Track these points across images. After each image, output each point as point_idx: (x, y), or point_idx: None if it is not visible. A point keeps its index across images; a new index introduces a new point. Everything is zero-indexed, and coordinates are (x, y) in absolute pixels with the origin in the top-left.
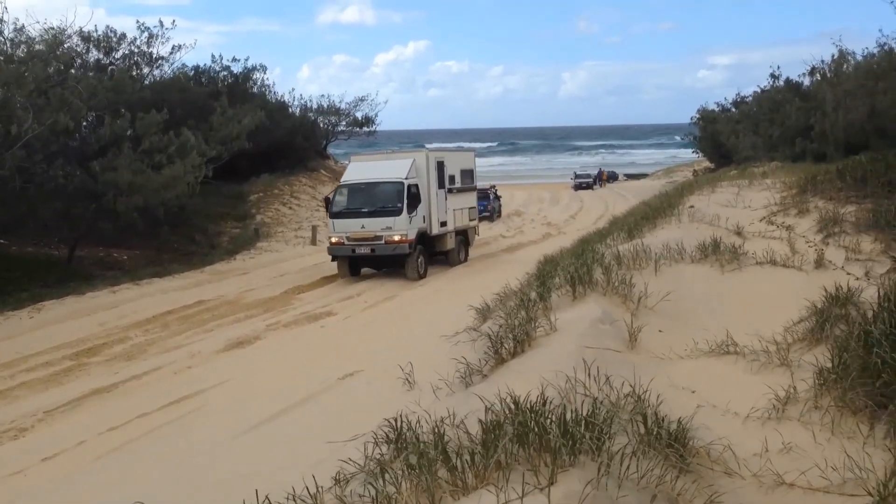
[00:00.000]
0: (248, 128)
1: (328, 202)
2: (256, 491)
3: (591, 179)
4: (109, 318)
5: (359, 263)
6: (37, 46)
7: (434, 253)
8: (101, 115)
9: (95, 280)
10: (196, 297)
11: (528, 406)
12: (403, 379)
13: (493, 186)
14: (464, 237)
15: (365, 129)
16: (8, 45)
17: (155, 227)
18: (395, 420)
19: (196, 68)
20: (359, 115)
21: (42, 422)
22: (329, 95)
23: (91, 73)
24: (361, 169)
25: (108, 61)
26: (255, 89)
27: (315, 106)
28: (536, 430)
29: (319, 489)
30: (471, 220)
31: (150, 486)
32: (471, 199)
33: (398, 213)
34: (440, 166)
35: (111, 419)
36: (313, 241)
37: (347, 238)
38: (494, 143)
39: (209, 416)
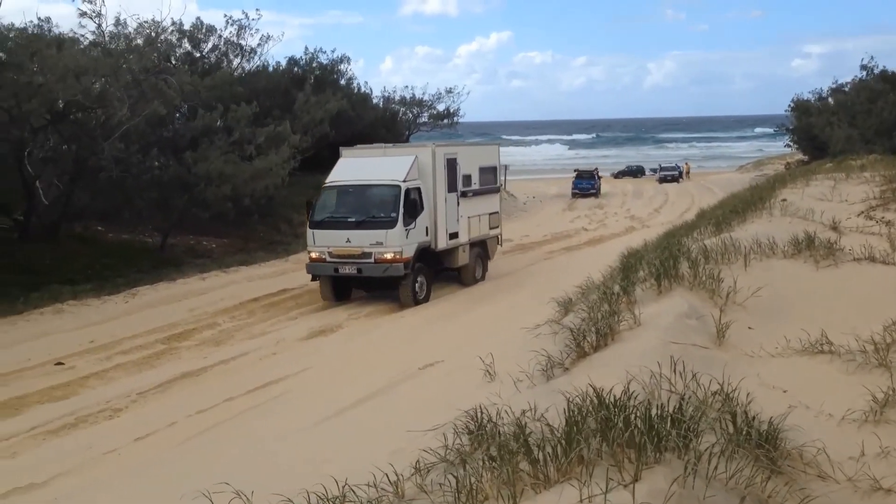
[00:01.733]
0: (331, 113)
1: (310, 207)
2: (335, 478)
3: (677, 172)
4: (199, 304)
5: (345, 284)
6: (135, 41)
7: (441, 270)
8: (193, 107)
9: (186, 267)
10: (280, 285)
11: (612, 400)
12: (484, 371)
13: (596, 169)
14: (481, 250)
15: (447, 120)
16: (106, 38)
17: (244, 217)
18: (476, 411)
19: (286, 60)
20: (441, 106)
21: (135, 403)
22: (412, 87)
23: (184, 66)
24: (352, 167)
25: (199, 53)
26: (340, 80)
27: (398, 97)
28: (620, 425)
29: (400, 477)
30: (492, 227)
31: (235, 468)
32: (492, 203)
33: (391, 224)
34: (451, 164)
35: (199, 402)
36: None
37: (329, 254)
38: (591, 135)
39: (291, 403)
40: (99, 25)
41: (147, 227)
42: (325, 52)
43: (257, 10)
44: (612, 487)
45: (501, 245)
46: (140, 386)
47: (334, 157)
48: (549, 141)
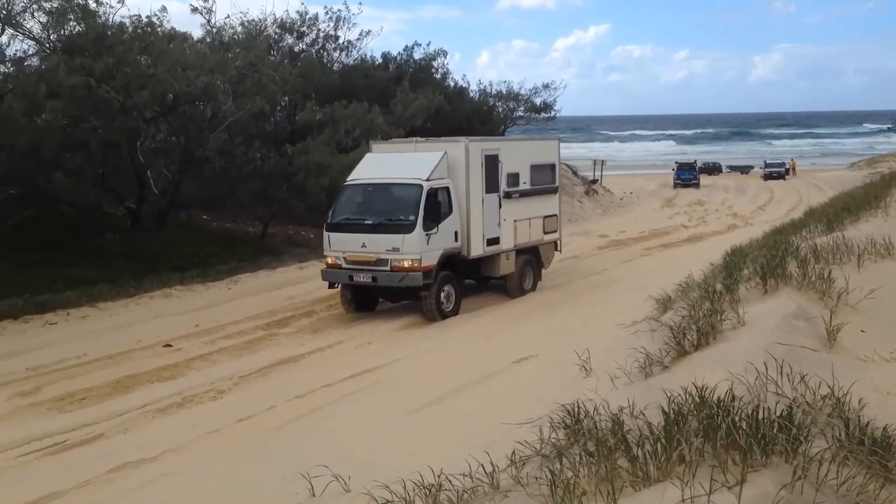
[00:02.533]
0: (425, 106)
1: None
2: (430, 467)
3: (783, 168)
4: (297, 293)
5: (368, 293)
6: (240, 36)
7: (481, 279)
8: (293, 100)
9: (285, 256)
10: None
11: (716, 401)
12: (579, 366)
13: (696, 161)
14: (532, 257)
15: (543, 114)
16: (213, 33)
17: None
18: (572, 406)
19: (383, 55)
20: (537, 100)
21: (237, 385)
22: (508, 81)
23: (285, 60)
24: (376, 163)
25: (299, 47)
26: (436, 75)
27: (494, 91)
28: (724, 426)
29: (495, 468)
30: (547, 232)
31: (332, 453)
32: (547, 205)
33: (409, 228)
34: (491, 162)
35: (298, 387)
36: None
37: (345, 260)
38: (692, 131)
39: (386, 392)
40: (208, 21)
41: (249, 216)
42: (421, 46)
43: (360, 3)
44: (716, 489)
45: (560, 251)
46: (241, 370)
47: None
48: (647, 136)
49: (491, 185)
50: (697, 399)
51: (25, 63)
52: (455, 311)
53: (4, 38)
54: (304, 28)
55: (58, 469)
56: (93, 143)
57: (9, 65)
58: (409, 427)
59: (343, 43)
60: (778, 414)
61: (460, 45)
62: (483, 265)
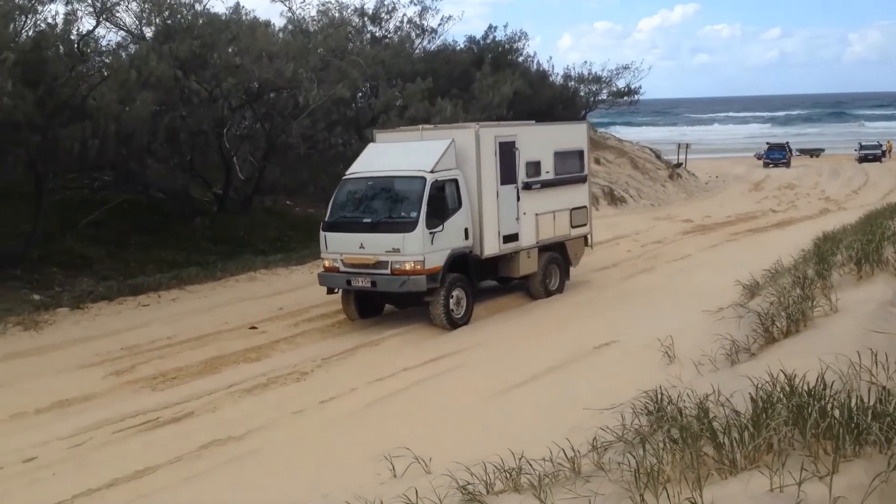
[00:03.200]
0: (508, 96)
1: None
2: (511, 450)
3: (879, 151)
4: None
5: (372, 297)
6: (321, 23)
7: (501, 280)
8: (374, 86)
9: None
10: None
11: (806, 389)
12: (662, 352)
13: (788, 143)
14: (558, 254)
15: (626, 98)
16: (295, 21)
17: None
18: (655, 392)
19: (464, 39)
20: (620, 83)
21: (320, 367)
22: (590, 63)
23: (367, 47)
24: (378, 155)
25: (382, 34)
26: (517, 58)
27: (576, 74)
28: (816, 414)
29: (576, 453)
30: (575, 226)
31: (413, 435)
32: (575, 195)
33: (410, 227)
34: (507, 150)
35: (379, 370)
36: None
37: (343, 262)
38: (782, 112)
39: (467, 375)
40: (290, 9)
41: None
42: (502, 29)
43: None
44: (806, 478)
45: (591, 246)
46: (324, 352)
47: None
48: (735, 119)
49: (507, 175)
50: (787, 387)
51: (118, 53)
52: (466, 319)
53: (100, 30)
54: (386, 15)
55: (151, 445)
56: (182, 132)
57: (103, 55)
58: (490, 411)
59: (426, 29)
60: (872, 403)
61: (541, 28)
62: (500, 265)
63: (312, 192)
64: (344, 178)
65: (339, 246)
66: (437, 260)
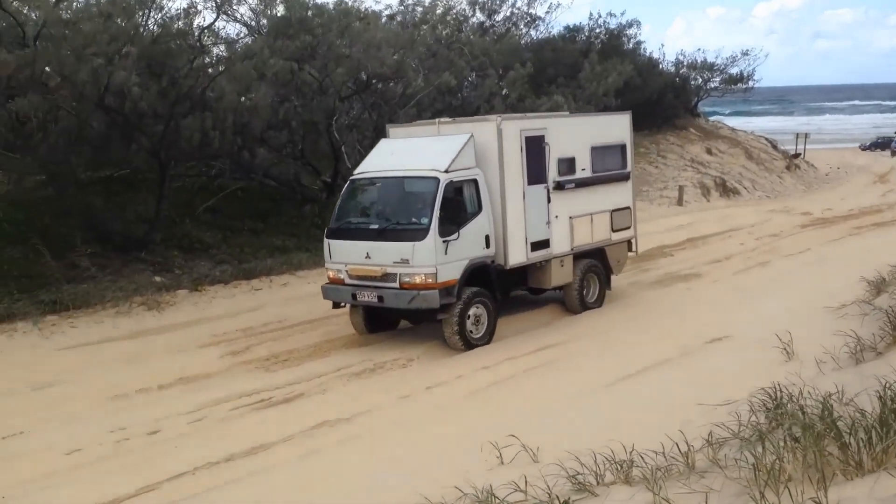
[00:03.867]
0: (616, 84)
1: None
2: (622, 443)
3: None
4: None
5: (381, 312)
6: (429, 13)
7: (533, 290)
8: (480, 75)
9: None
10: None
11: None
12: (780, 349)
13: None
14: (597, 262)
15: (740, 85)
16: (403, 11)
17: None
18: (773, 389)
19: (571, 28)
20: (734, 70)
21: (425, 354)
22: (703, 50)
23: (473, 36)
24: (389, 152)
25: (490, 23)
26: (627, 46)
27: (687, 62)
28: None
29: (690, 448)
30: (617, 229)
31: (519, 423)
32: (617, 195)
33: (421, 234)
34: (534, 145)
35: (484, 358)
36: (679, 202)
37: (348, 273)
38: None
39: (573, 366)
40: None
41: None
42: (613, 17)
43: None
44: None
45: (636, 252)
46: (429, 339)
47: None
48: (858, 108)
49: (535, 173)
50: None
51: (235, 46)
52: (488, 339)
53: (218, 23)
54: (494, 5)
55: (265, 423)
56: (294, 122)
57: (221, 48)
58: (599, 403)
59: (534, 17)
60: None
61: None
62: (530, 275)
63: None
64: (350, 178)
65: (344, 255)
66: (452, 272)
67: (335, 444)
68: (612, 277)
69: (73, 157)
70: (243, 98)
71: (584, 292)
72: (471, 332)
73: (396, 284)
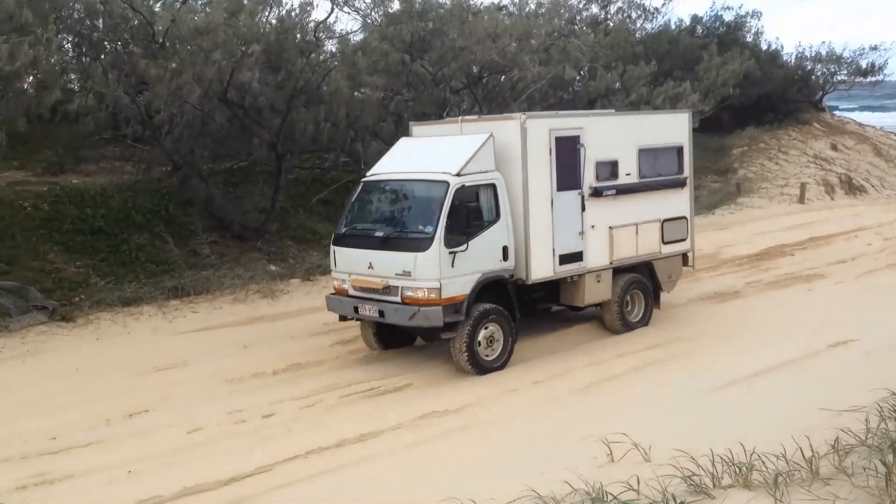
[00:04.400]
0: (736, 74)
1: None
2: (742, 444)
3: None
4: None
5: (393, 328)
6: (543, 5)
7: (572, 307)
8: (594, 68)
9: None
10: None
11: None
12: None
13: None
14: (642, 277)
15: (870, 78)
16: (517, 3)
17: None
18: None
19: (690, 18)
20: (863, 62)
21: (533, 349)
22: (829, 42)
23: (587, 28)
24: (406, 152)
25: (604, 15)
26: (746, 38)
27: (811, 53)
28: None
29: (815, 454)
30: (669, 241)
31: (629, 421)
32: (670, 203)
33: (425, 244)
34: (567, 146)
35: (595, 354)
36: (801, 199)
37: (352, 285)
38: None
39: (687, 365)
40: None
41: None
42: (730, 10)
43: None
44: None
45: (693, 266)
46: (538, 334)
47: (736, 119)
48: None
49: (567, 178)
50: None
51: (349, 40)
52: (503, 362)
53: (332, 17)
54: None
55: (375, 411)
56: (406, 114)
57: (335, 43)
58: (712, 404)
59: (648, 9)
60: None
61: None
62: (562, 290)
63: None
64: (362, 180)
65: (348, 264)
66: (459, 287)
67: (443, 435)
68: (662, 295)
69: (196, 150)
70: (356, 93)
71: (626, 311)
72: (481, 352)
73: (398, 298)
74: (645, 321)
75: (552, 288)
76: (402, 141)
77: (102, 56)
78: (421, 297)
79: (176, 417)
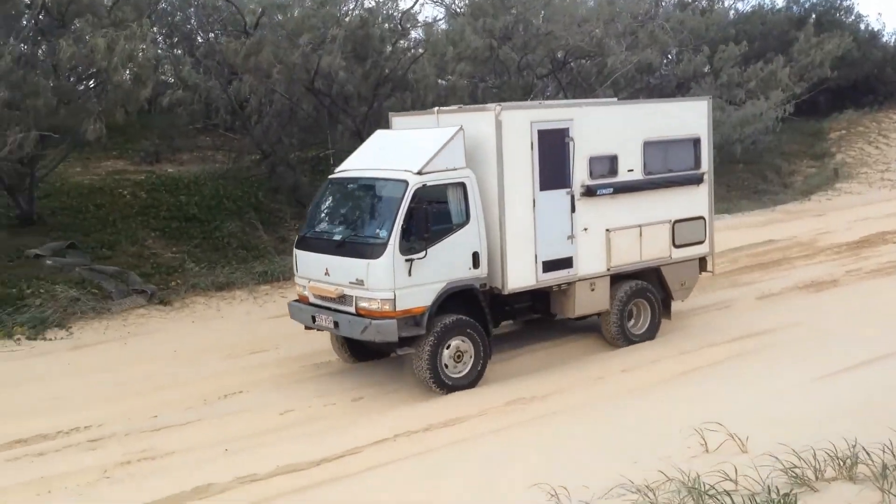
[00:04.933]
0: (832, 54)
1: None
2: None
3: None
4: None
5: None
6: None
7: (572, 320)
8: (681, 51)
9: None
10: (766, 235)
11: None
12: None
13: None
14: (647, 285)
15: None
16: None
17: (725, 164)
18: None
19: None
20: None
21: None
22: None
23: (676, 10)
24: (377, 147)
25: None
26: (844, 18)
27: None
28: None
29: None
30: (679, 245)
31: (720, 411)
32: (685, 202)
33: (378, 250)
34: (551, 140)
35: (682, 344)
36: None
37: (310, 292)
38: None
39: (782, 356)
40: None
41: None
42: None
43: None
44: None
45: (713, 272)
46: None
47: (833, 102)
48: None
49: (552, 176)
50: None
51: (433, 28)
52: (472, 379)
53: (418, 6)
54: None
55: (460, 396)
56: (491, 101)
57: (420, 30)
58: (812, 395)
59: None
60: None
61: None
62: (553, 299)
63: None
64: (329, 177)
65: (307, 269)
66: (418, 298)
67: (529, 421)
68: (674, 304)
69: (284, 138)
70: (441, 80)
71: (627, 322)
72: (447, 367)
73: (353, 309)
74: (651, 334)
75: (542, 297)
76: (377, 133)
77: (194, 48)
78: (375, 308)
79: (268, 399)
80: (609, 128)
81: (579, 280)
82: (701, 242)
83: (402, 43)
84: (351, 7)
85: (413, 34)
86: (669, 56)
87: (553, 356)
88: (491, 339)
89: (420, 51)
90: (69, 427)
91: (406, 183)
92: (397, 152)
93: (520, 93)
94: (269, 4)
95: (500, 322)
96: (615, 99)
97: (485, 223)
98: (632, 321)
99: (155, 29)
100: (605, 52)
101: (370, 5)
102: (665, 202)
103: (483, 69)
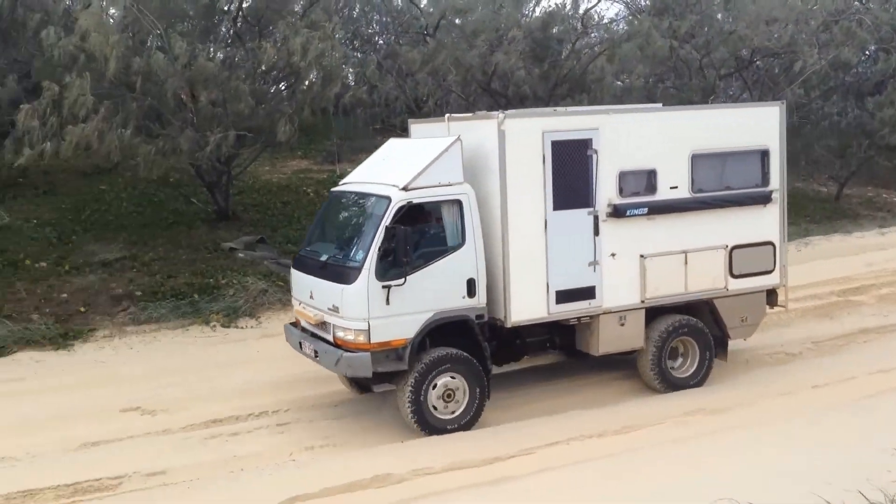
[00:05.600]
0: None
1: None
2: None
3: None
4: (877, 260)
5: None
6: None
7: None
8: (879, 49)
9: (862, 219)
10: None
11: None
12: None
13: None
14: (697, 322)
15: None
16: None
17: None
18: None
19: None
20: None
21: (811, 351)
22: None
23: (876, 6)
24: (384, 156)
25: None
26: None
27: None
28: None
29: None
30: (738, 275)
31: None
32: (748, 224)
33: (352, 275)
34: (569, 152)
35: (880, 361)
36: None
37: (297, 315)
38: None
39: None
40: None
41: (822, 175)
42: None
43: None
44: None
45: (786, 306)
46: (815, 335)
47: None
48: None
49: (569, 193)
50: None
51: (614, 28)
52: (467, 421)
53: (601, 6)
54: None
55: (637, 404)
56: (672, 103)
57: (601, 31)
58: None
59: None
60: None
61: None
62: (579, 334)
63: (803, 164)
64: (331, 189)
65: (299, 290)
66: (399, 329)
67: (710, 433)
68: (730, 343)
69: None
70: (618, 82)
71: (668, 363)
72: (435, 408)
73: (331, 337)
74: (698, 378)
75: (565, 330)
76: (389, 142)
77: (375, 50)
78: (349, 339)
79: None
80: (645, 138)
81: (604, 313)
82: (769, 272)
83: (582, 42)
84: (531, 6)
85: (594, 34)
86: (867, 53)
87: (740, 366)
88: (490, 377)
89: (597, 49)
90: (259, 410)
91: (389, 199)
92: (393, 164)
93: (700, 94)
94: (450, 7)
95: (512, 359)
96: (659, 105)
97: (485, 247)
98: (677, 361)
99: (339, 35)
100: (795, 51)
101: (550, 8)
102: (720, 224)
103: (662, 69)
